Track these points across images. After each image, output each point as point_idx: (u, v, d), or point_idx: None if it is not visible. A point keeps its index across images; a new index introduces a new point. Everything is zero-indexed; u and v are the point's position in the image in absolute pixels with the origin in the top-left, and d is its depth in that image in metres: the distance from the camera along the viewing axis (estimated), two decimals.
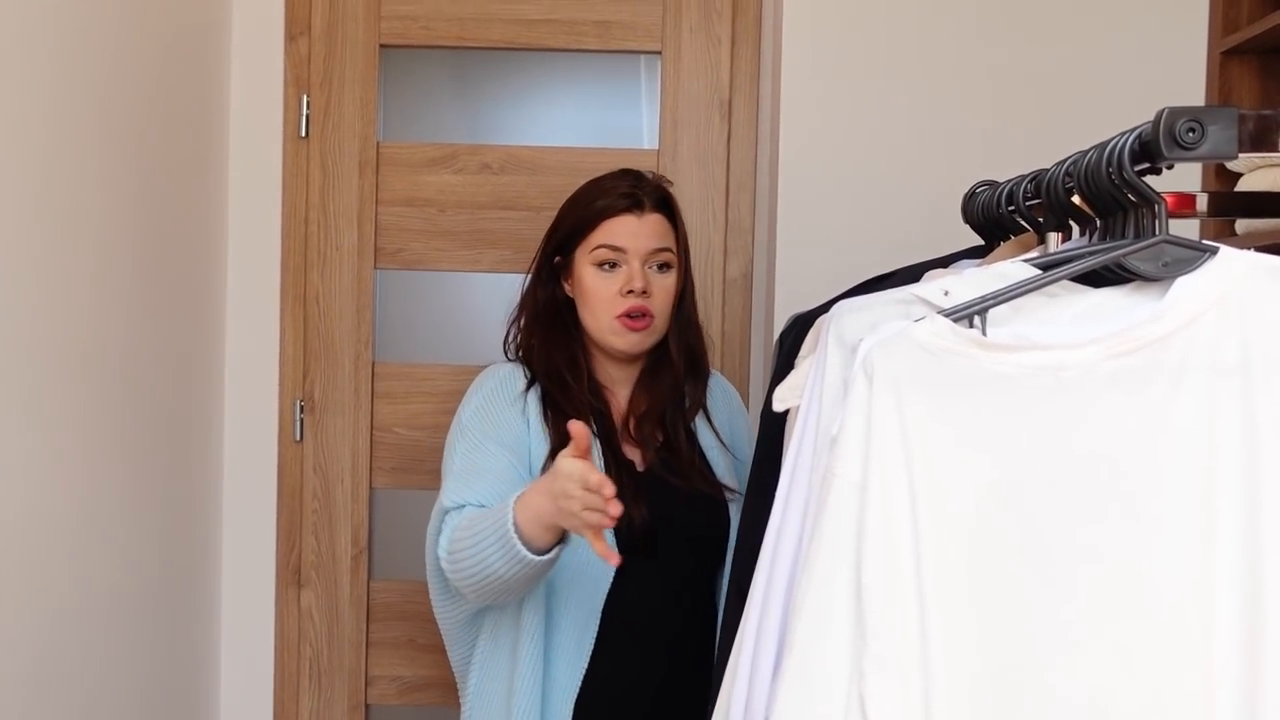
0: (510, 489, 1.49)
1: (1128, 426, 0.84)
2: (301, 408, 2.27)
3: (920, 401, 0.83)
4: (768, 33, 2.23)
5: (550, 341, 1.66)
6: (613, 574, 1.52)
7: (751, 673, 0.89)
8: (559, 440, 1.52)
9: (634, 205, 1.64)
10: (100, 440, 1.76)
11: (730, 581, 1.29)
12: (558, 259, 1.69)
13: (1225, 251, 0.88)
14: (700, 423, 1.71)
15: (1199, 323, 0.86)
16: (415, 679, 2.30)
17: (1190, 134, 0.83)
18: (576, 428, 1.34)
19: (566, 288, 1.69)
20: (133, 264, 1.86)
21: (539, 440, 1.60)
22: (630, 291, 1.61)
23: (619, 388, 1.70)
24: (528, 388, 1.64)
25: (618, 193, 1.65)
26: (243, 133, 2.24)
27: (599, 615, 1.55)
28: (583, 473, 1.29)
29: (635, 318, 1.61)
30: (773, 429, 1.08)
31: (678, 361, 1.68)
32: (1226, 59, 1.98)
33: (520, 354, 1.70)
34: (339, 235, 2.26)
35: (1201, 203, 1.64)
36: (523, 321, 1.71)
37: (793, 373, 0.93)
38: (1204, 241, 0.89)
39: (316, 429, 2.28)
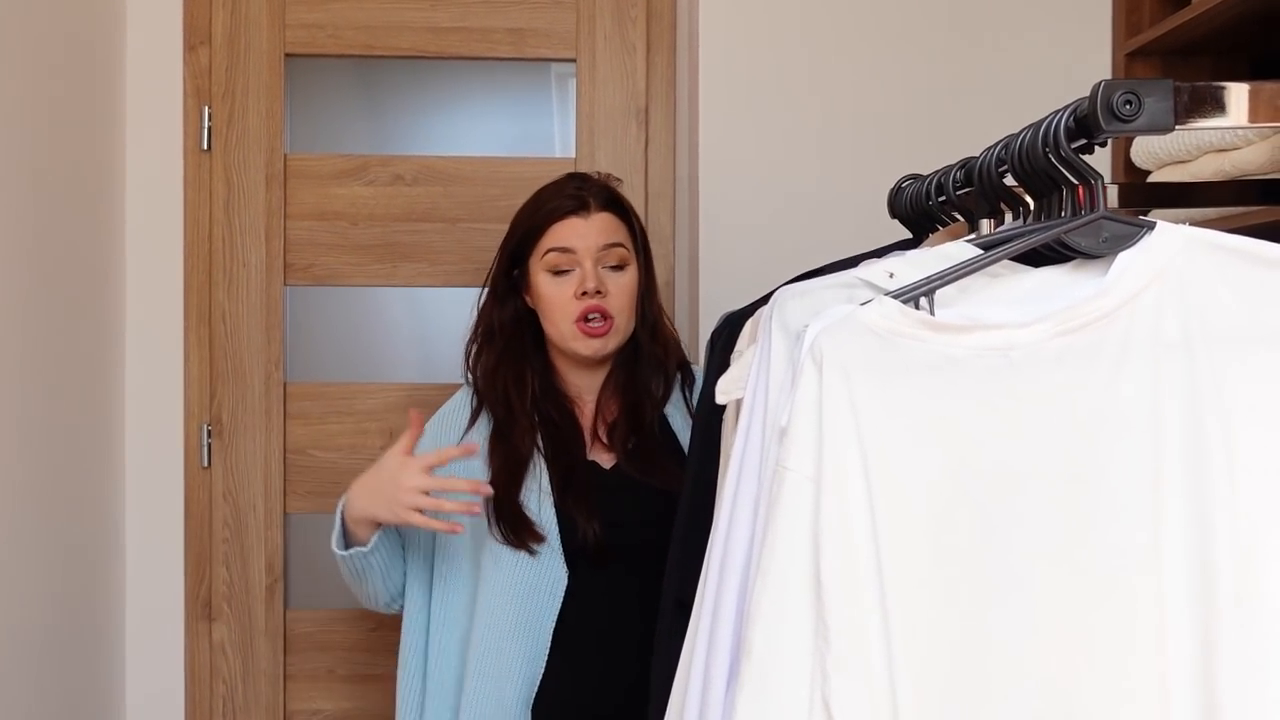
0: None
1: (1076, 405, 0.82)
2: (209, 432, 2.17)
3: (871, 387, 0.80)
4: (683, 39, 2.22)
5: (500, 362, 1.64)
6: (563, 592, 1.55)
7: (705, 683, 0.85)
8: (500, 465, 1.58)
9: (579, 206, 1.61)
10: None
11: (666, 589, 1.25)
12: (515, 272, 1.66)
13: (1162, 226, 0.87)
14: (681, 420, 1.68)
15: (1141, 298, 0.84)
16: (336, 711, 2.21)
17: (1127, 106, 0.82)
18: (411, 414, 1.51)
19: (528, 300, 1.66)
20: (23, 285, 1.76)
21: (476, 472, 1.58)
22: (584, 293, 1.58)
23: (589, 395, 1.67)
24: (473, 420, 1.64)
25: (563, 194, 1.63)
26: (141, 146, 2.14)
27: (550, 632, 1.55)
28: (400, 464, 1.47)
29: (592, 321, 1.59)
30: (709, 428, 1.04)
31: (646, 360, 1.66)
32: (1130, 60, 2.03)
33: (471, 376, 1.67)
34: (245, 251, 2.18)
35: (1112, 195, 1.68)
36: (476, 340, 1.68)
37: (735, 364, 0.89)
38: (1141, 217, 0.88)
39: (225, 453, 2.18)
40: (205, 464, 2.17)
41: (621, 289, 1.62)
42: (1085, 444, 0.82)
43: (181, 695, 2.17)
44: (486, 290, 1.68)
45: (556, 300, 1.60)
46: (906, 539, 0.80)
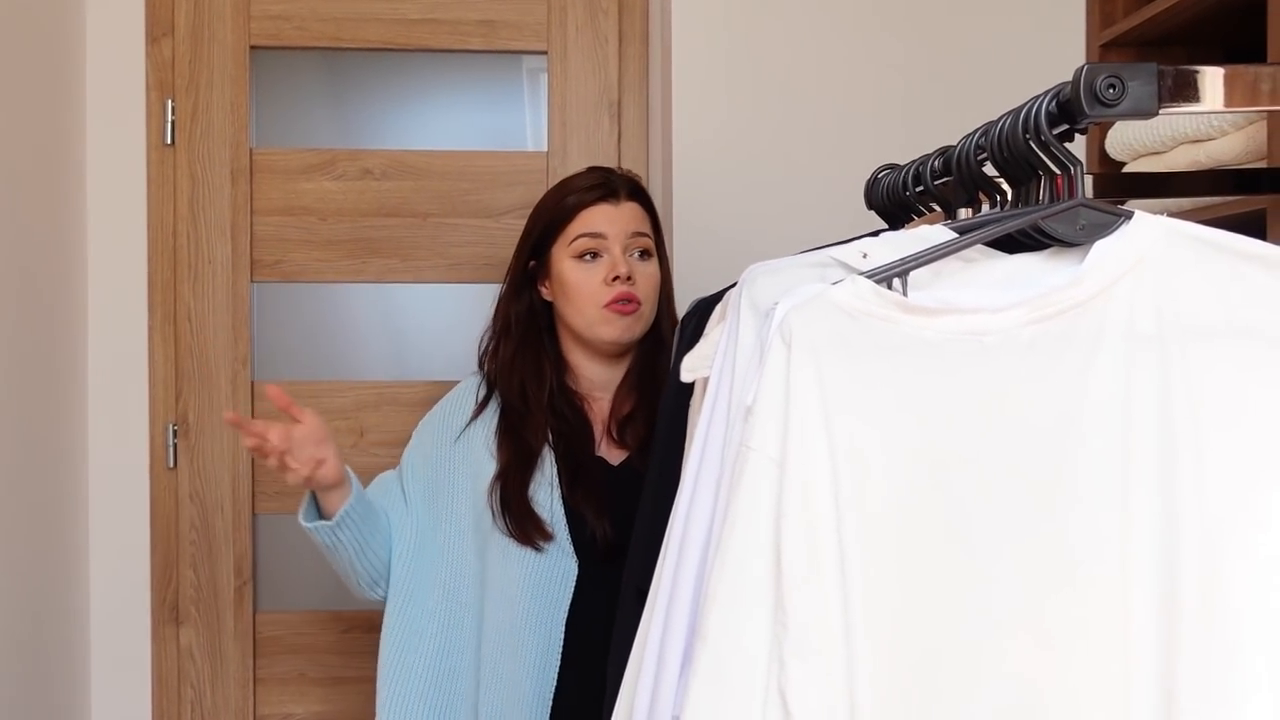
0: (388, 510, 1.60)
1: (1048, 394, 0.80)
2: (175, 432, 2.13)
3: (840, 368, 0.77)
4: (655, 31, 2.19)
5: (517, 354, 1.63)
6: (574, 585, 1.53)
7: (658, 668, 0.82)
8: (510, 457, 1.57)
9: (609, 194, 1.61)
10: None
11: (626, 578, 1.23)
12: (532, 263, 1.64)
13: (1140, 216, 0.85)
14: None
15: (1116, 288, 0.83)
16: (307, 715, 2.17)
17: (1110, 90, 0.80)
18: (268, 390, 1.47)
19: (544, 292, 1.64)
20: None
21: (482, 464, 1.59)
22: (616, 278, 1.57)
23: (602, 391, 1.65)
24: (479, 411, 1.62)
25: (590, 184, 1.62)
26: (102, 141, 2.10)
27: (563, 626, 1.53)
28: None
29: (623, 303, 1.57)
30: (677, 412, 1.02)
31: (669, 354, 1.60)
32: (1105, 51, 2.02)
33: (485, 369, 1.67)
34: (211, 248, 2.14)
35: (1087, 185, 1.66)
36: (493, 334, 1.67)
37: (701, 341, 0.87)
38: (1120, 206, 0.86)
39: (192, 454, 2.14)
40: (171, 464, 2.13)
41: (647, 277, 1.61)
42: (1056, 434, 0.80)
43: (149, 701, 2.13)
44: (504, 285, 1.67)
45: (585, 286, 1.58)
46: (871, 525, 0.78)
